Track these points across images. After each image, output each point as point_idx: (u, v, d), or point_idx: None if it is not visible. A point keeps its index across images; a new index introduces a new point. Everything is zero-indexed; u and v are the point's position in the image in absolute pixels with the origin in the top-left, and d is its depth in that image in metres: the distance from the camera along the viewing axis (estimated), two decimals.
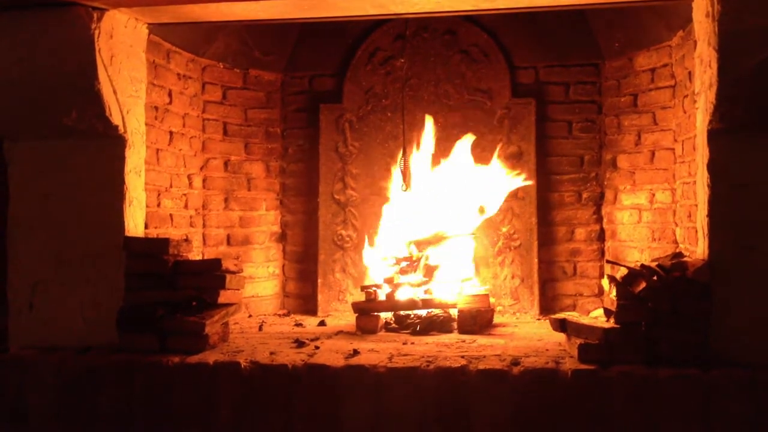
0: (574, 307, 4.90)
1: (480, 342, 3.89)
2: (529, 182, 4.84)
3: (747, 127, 3.31)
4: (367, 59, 5.12)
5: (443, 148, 4.94)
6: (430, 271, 4.52)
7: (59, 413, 3.51)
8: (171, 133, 4.48)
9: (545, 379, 3.22)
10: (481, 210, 4.75)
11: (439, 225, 4.68)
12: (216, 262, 3.77)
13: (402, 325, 4.29)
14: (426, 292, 4.41)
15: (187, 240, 3.97)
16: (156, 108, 4.29)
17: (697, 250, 3.53)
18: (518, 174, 4.85)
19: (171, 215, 4.47)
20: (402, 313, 4.33)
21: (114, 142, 3.77)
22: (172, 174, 4.48)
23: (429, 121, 4.93)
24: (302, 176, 5.25)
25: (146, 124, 4.02)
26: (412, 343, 3.87)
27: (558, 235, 5.01)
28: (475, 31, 5.02)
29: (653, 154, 4.60)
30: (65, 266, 3.76)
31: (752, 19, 3.17)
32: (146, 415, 3.44)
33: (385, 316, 4.36)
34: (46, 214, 3.78)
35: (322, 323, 4.59)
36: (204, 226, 4.88)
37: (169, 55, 4.45)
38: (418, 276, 4.50)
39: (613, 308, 3.34)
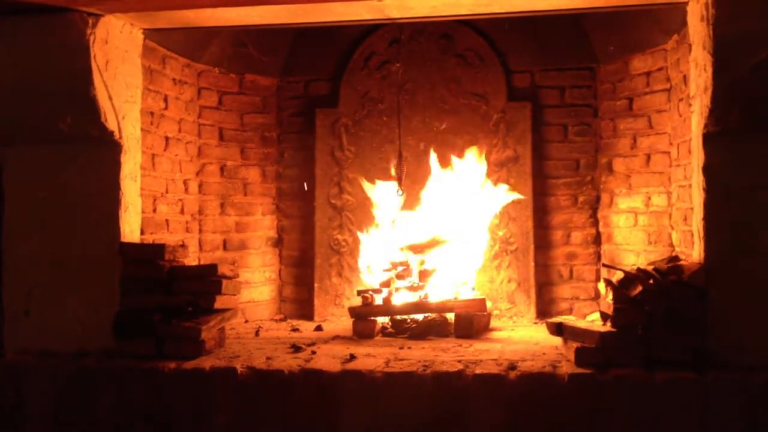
0: (570, 311, 4.90)
1: (477, 346, 3.89)
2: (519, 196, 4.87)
3: (742, 130, 3.31)
4: (362, 63, 5.12)
5: (439, 152, 4.95)
6: (426, 275, 4.52)
7: (56, 419, 3.50)
8: (167, 138, 4.48)
9: (542, 383, 3.22)
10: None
11: (436, 229, 4.68)
12: (212, 268, 3.77)
13: (399, 329, 4.28)
14: (422, 296, 4.41)
15: (183, 245, 3.96)
16: (151, 113, 4.30)
17: (693, 253, 3.53)
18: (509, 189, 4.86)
19: (167, 220, 4.47)
20: (399, 317, 4.32)
21: (109, 148, 3.76)
22: (167, 179, 4.48)
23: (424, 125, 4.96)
24: (298, 181, 5.25)
25: (142, 130, 4.01)
26: (409, 348, 3.86)
27: (554, 239, 5.01)
28: (471, 35, 5.03)
29: (649, 157, 4.61)
30: (61, 271, 3.75)
31: (747, 23, 3.18)
32: (143, 421, 3.43)
33: (382, 320, 4.35)
34: (42, 219, 3.77)
35: (318, 328, 4.58)
36: (200, 231, 4.88)
37: (164, 61, 4.45)
38: (414, 280, 4.49)
39: (610, 312, 3.33)
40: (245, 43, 4.93)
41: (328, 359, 3.55)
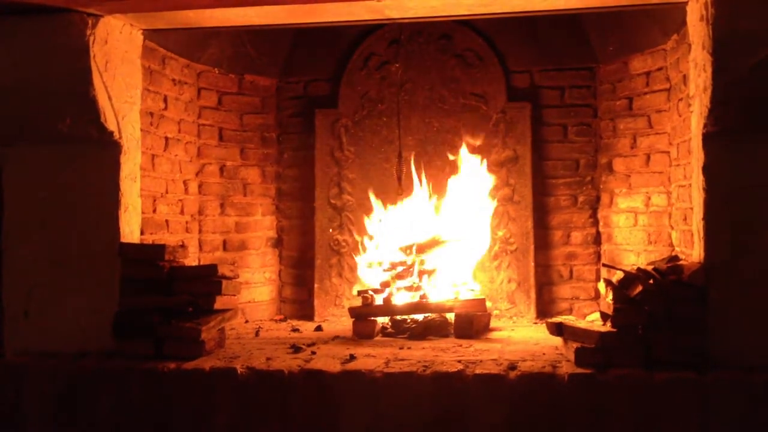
0: (570, 311, 4.90)
1: (476, 346, 3.89)
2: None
3: (742, 130, 3.31)
4: (362, 64, 5.12)
5: (439, 152, 4.95)
6: (426, 275, 4.52)
7: (55, 419, 3.50)
8: (166, 138, 4.48)
9: (542, 384, 3.22)
10: None
11: (435, 229, 4.68)
12: (212, 268, 3.77)
13: (399, 329, 4.28)
14: (422, 296, 4.40)
15: (182, 246, 3.96)
16: (151, 114, 4.30)
17: (693, 253, 3.53)
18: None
19: (167, 221, 4.46)
20: (398, 317, 4.32)
21: (109, 148, 3.76)
22: (167, 180, 4.48)
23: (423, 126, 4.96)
24: (298, 181, 5.25)
25: (141, 130, 4.01)
26: (409, 348, 3.86)
27: (554, 239, 5.01)
28: (470, 35, 5.03)
29: (648, 157, 4.61)
30: (61, 272, 3.75)
31: (746, 23, 3.18)
32: (142, 422, 3.43)
33: (382, 320, 4.35)
34: (42, 220, 3.77)
35: (318, 328, 4.58)
36: (200, 231, 4.88)
37: (164, 61, 4.45)
38: (414, 280, 4.49)
39: (610, 312, 3.33)
40: (244, 42, 4.92)
41: (328, 359, 3.54)
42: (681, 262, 3.47)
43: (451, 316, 4.29)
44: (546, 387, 3.21)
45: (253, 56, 5.05)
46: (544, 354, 3.62)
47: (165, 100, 4.47)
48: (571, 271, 5.00)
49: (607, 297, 3.39)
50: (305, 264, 5.20)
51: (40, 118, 3.70)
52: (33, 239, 3.77)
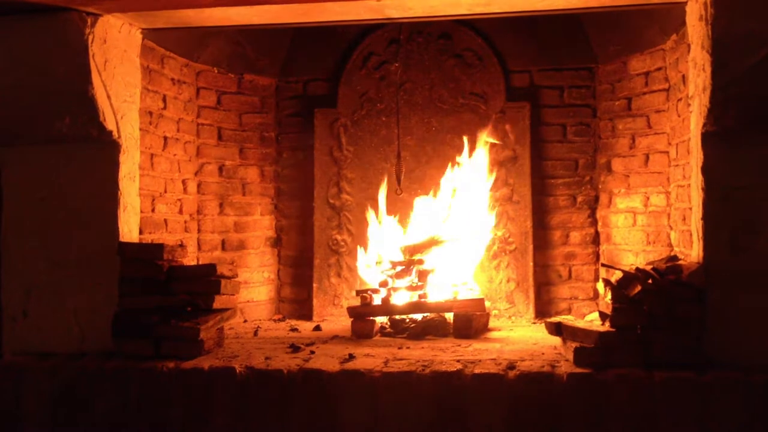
0: (569, 311, 4.91)
1: (475, 346, 3.89)
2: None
3: (741, 130, 3.31)
4: (361, 64, 5.12)
5: (438, 152, 4.95)
6: (425, 275, 4.51)
7: (54, 420, 3.50)
8: (165, 138, 4.48)
9: (541, 383, 3.22)
10: None
11: (434, 229, 4.68)
12: (211, 268, 3.76)
13: (397, 329, 4.28)
14: (421, 296, 4.40)
15: (181, 245, 3.96)
16: (150, 113, 4.29)
17: (692, 253, 3.53)
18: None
19: (165, 220, 4.46)
20: (397, 317, 4.32)
21: (108, 148, 3.75)
22: (166, 179, 4.48)
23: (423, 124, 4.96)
24: (297, 181, 5.24)
25: (140, 129, 4.01)
26: (408, 348, 3.86)
27: (553, 239, 5.01)
28: (470, 35, 5.03)
29: (647, 157, 4.61)
30: (59, 272, 3.74)
31: (746, 23, 3.18)
32: (141, 422, 3.43)
33: (381, 320, 4.35)
34: (41, 219, 3.76)
35: (317, 328, 4.58)
36: (199, 231, 4.87)
37: (163, 60, 4.45)
38: (413, 280, 4.49)
39: (609, 312, 3.33)
40: (241, 43, 4.92)
41: (326, 359, 3.54)
42: (680, 262, 3.47)
43: (450, 316, 4.29)
44: (545, 386, 3.21)
45: (252, 57, 5.05)
46: (542, 354, 3.62)
47: (164, 99, 4.47)
48: (570, 271, 5.00)
49: (606, 297, 3.39)
50: (304, 264, 5.20)
51: (39, 117, 3.70)
52: (32, 238, 3.77)
